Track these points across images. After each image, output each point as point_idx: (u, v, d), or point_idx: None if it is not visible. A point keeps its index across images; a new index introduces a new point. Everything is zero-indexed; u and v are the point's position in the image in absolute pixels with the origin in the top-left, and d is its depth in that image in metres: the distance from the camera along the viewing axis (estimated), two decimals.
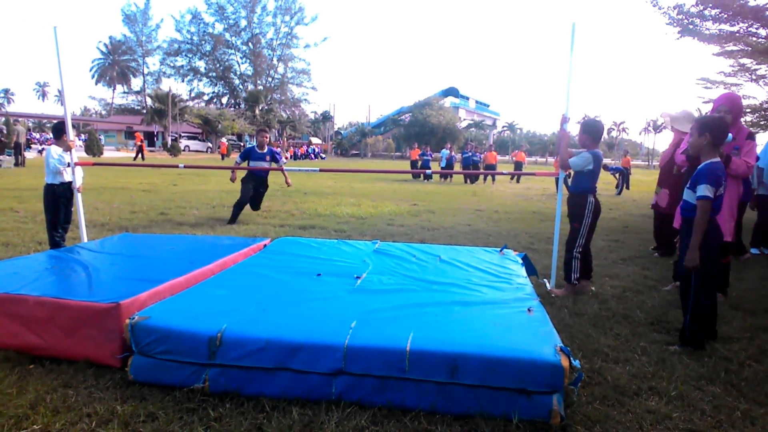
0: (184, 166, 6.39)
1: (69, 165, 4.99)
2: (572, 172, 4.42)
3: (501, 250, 4.45)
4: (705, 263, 3.09)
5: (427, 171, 6.36)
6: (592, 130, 4.33)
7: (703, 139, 3.12)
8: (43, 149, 34.13)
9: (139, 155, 29.00)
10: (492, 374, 2.26)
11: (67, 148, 4.92)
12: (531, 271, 4.29)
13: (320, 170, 6.70)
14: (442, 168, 21.99)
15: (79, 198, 5.01)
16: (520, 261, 4.22)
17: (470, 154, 21.53)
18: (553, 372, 2.21)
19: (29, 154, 22.00)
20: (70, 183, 5.07)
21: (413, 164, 23.87)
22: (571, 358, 2.28)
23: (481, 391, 2.28)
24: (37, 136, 49.77)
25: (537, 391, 2.24)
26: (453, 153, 22.44)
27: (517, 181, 21.41)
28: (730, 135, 3.90)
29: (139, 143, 29.73)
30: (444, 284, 3.43)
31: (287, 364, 2.39)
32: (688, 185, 3.20)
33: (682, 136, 5.41)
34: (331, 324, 2.60)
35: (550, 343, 2.37)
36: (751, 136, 4.08)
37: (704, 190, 3.01)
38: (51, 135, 5.27)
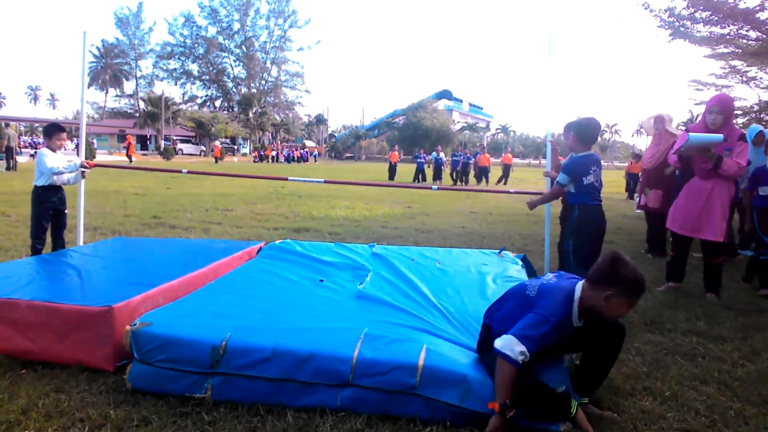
0: (188, 171, 6.78)
1: (83, 168, 4.67)
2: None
3: (499, 252, 4.44)
4: (582, 246, 3.51)
5: (433, 187, 6.25)
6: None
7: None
8: (35, 153, 33.90)
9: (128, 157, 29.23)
10: None
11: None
12: (530, 271, 4.28)
13: (325, 181, 6.67)
14: (434, 170, 22.02)
15: (81, 200, 4.83)
16: (520, 263, 4.21)
17: (460, 157, 21.64)
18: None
19: (21, 158, 21.84)
20: (59, 189, 4.68)
21: (392, 167, 23.10)
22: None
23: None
24: (28, 139, 49.39)
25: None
26: (439, 155, 22.19)
27: (504, 183, 21.43)
28: (721, 135, 3.95)
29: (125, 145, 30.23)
30: (449, 289, 3.37)
31: (293, 375, 2.33)
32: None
33: (670, 138, 5.50)
34: (338, 334, 2.54)
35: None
36: (742, 138, 4.11)
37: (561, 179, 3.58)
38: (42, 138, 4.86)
